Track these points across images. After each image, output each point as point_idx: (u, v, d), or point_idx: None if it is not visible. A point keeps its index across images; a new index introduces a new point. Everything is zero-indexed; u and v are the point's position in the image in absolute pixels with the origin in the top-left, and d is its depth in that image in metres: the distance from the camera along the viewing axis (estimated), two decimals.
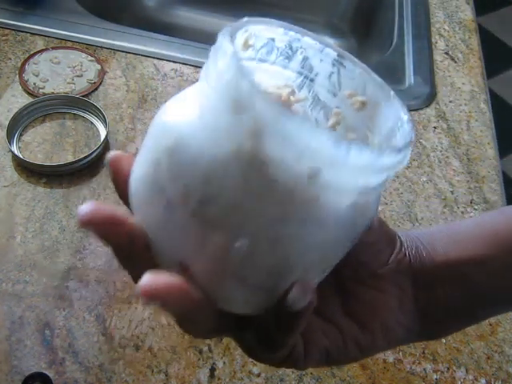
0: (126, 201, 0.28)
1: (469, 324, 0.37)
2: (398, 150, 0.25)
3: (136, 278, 0.25)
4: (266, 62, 0.29)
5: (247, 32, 0.28)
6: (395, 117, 0.28)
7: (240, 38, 0.28)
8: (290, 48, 0.29)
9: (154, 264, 0.26)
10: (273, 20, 0.29)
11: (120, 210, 0.26)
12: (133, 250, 0.26)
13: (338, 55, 0.29)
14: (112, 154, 0.28)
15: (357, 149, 0.23)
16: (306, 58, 0.29)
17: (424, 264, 0.33)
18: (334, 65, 0.29)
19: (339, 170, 0.23)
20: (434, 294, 0.33)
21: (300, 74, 0.30)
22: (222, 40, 0.26)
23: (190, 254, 0.25)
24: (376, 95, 0.29)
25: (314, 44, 0.29)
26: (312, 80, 0.30)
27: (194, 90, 0.27)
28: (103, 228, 0.25)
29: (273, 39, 0.29)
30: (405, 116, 0.28)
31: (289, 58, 0.29)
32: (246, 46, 0.29)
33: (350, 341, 0.32)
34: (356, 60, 0.29)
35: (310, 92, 0.30)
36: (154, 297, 0.24)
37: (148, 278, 0.24)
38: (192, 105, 0.25)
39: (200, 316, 0.27)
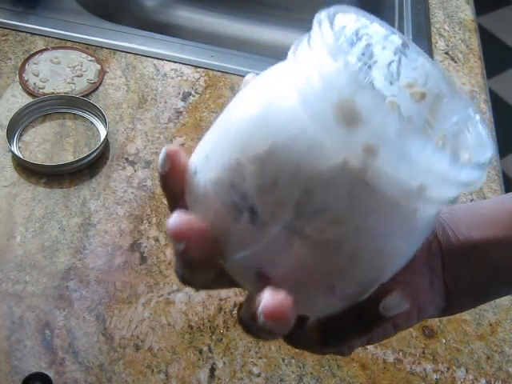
0: (172, 197, 0.28)
1: (492, 299, 0.38)
2: (482, 165, 0.25)
3: (200, 286, 0.27)
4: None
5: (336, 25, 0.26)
6: (462, 113, 0.27)
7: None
8: (356, 34, 0.27)
9: (221, 270, 0.26)
10: (348, 8, 0.27)
11: (199, 222, 0.25)
12: (208, 262, 0.26)
13: (403, 44, 0.27)
14: (170, 147, 0.27)
15: (468, 168, 0.23)
16: (368, 45, 0.27)
17: (451, 244, 0.34)
18: (395, 53, 0.28)
19: (445, 186, 0.23)
20: (459, 270, 0.34)
21: (359, 60, 0.27)
22: (326, 34, 0.23)
23: (275, 265, 0.25)
24: (439, 88, 0.27)
25: (380, 31, 0.28)
26: (370, 67, 0.27)
27: (287, 80, 0.24)
28: (193, 240, 0.25)
29: (344, 26, 0.27)
30: (476, 115, 0.27)
31: (352, 43, 0.27)
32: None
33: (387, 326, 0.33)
34: (421, 51, 0.28)
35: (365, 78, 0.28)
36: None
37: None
38: (289, 104, 0.23)
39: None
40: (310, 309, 0.27)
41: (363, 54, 0.27)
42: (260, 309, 0.23)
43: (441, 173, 0.22)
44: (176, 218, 0.25)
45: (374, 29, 0.28)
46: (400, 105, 0.27)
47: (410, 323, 0.34)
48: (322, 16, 0.24)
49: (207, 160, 0.26)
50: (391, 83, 0.28)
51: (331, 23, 0.24)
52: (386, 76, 0.28)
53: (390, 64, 0.28)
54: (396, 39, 0.28)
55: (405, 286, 0.28)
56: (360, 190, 0.22)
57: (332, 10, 0.25)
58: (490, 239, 0.34)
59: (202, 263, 0.26)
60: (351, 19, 0.27)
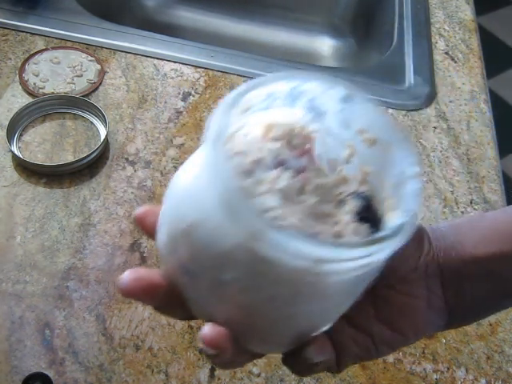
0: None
1: (495, 312, 0.38)
2: (393, 235, 0.25)
3: (177, 318, 0.31)
4: (270, 108, 0.29)
5: (244, 102, 0.28)
6: (407, 162, 0.27)
7: (237, 111, 0.27)
8: (291, 95, 0.29)
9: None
10: (276, 75, 0.29)
11: (155, 274, 0.29)
12: (170, 306, 0.30)
13: (347, 93, 0.28)
14: (138, 210, 0.31)
15: (348, 248, 0.25)
16: (312, 99, 0.29)
17: (452, 263, 0.34)
18: (342, 102, 0.28)
19: (341, 263, 0.25)
20: (462, 289, 0.34)
21: (309, 110, 0.29)
22: (211, 125, 0.26)
23: (215, 311, 0.29)
24: (387, 135, 0.28)
25: (317, 87, 0.28)
26: (322, 114, 0.29)
27: (200, 162, 0.27)
28: (143, 295, 0.29)
29: (272, 93, 0.29)
30: (416, 168, 0.27)
31: (293, 100, 0.29)
32: (244, 110, 0.29)
33: (381, 344, 0.33)
34: (368, 96, 0.28)
35: (321, 125, 0.29)
36: (131, 295, 0.29)
37: (127, 277, 0.29)
38: (201, 187, 0.27)
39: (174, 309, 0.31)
40: (254, 348, 0.31)
41: (310, 106, 0.29)
42: (201, 336, 0.28)
43: (328, 256, 0.24)
44: (126, 277, 0.29)
45: (310, 86, 0.28)
46: (358, 150, 0.28)
47: (406, 341, 0.34)
48: (221, 102, 0.26)
49: (160, 223, 0.30)
50: (345, 129, 0.29)
51: (225, 111, 0.26)
52: (339, 123, 0.29)
53: (340, 112, 0.29)
54: (339, 90, 0.28)
55: (323, 341, 0.31)
56: (259, 265, 0.25)
57: (244, 87, 0.27)
58: (495, 254, 0.33)
59: (161, 309, 0.31)
60: (279, 85, 0.28)
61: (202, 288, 0.28)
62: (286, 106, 0.29)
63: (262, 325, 0.28)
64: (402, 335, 0.33)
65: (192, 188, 0.27)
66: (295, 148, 0.28)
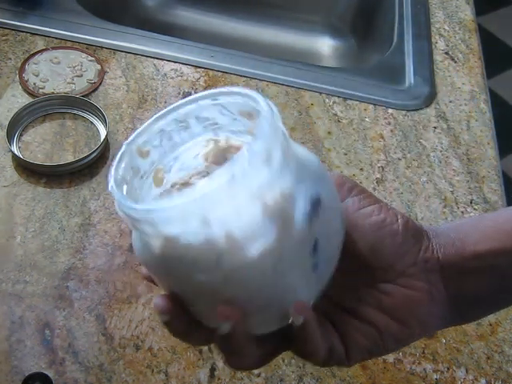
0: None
1: (504, 307, 0.39)
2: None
3: (192, 341, 0.34)
4: (178, 149, 0.34)
5: (136, 142, 0.33)
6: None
7: (131, 155, 0.33)
8: (180, 121, 0.34)
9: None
10: (153, 118, 0.34)
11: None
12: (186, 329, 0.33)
13: (212, 99, 0.33)
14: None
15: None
16: (197, 117, 0.34)
17: (452, 259, 0.34)
18: (215, 105, 0.33)
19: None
20: (463, 284, 0.34)
21: (205, 128, 0.34)
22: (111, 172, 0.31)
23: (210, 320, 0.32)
24: (252, 105, 0.32)
25: (192, 106, 0.33)
26: (216, 124, 0.34)
27: None
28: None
29: (162, 130, 0.33)
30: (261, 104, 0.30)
31: (186, 127, 0.34)
32: (144, 154, 0.33)
33: (388, 337, 0.34)
34: (223, 90, 0.33)
35: (226, 133, 0.34)
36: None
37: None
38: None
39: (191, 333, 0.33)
40: (254, 329, 0.32)
41: (203, 123, 0.34)
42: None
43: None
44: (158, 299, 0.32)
45: (186, 109, 0.33)
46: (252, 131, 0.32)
47: (413, 335, 0.35)
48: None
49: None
50: (234, 120, 0.33)
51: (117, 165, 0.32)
52: (229, 120, 0.33)
53: (221, 113, 0.33)
54: (206, 101, 0.33)
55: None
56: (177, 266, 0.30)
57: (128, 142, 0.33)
58: (496, 250, 0.34)
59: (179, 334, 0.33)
60: (162, 120, 0.33)
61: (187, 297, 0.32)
62: (186, 136, 0.34)
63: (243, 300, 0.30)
64: (408, 327, 0.34)
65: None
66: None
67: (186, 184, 0.34)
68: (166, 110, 0.33)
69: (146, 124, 0.33)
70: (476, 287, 0.35)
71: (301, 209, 0.29)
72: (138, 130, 0.33)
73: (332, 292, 0.34)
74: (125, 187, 0.31)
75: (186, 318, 0.32)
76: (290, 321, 0.31)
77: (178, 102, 0.33)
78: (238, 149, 0.33)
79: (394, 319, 0.34)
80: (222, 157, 0.34)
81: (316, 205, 0.30)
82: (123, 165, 0.32)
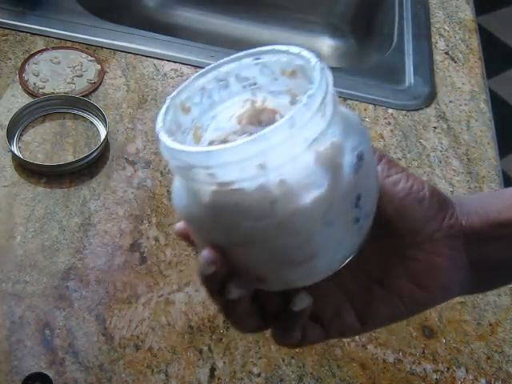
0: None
1: None
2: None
3: (221, 305, 0.34)
4: (216, 107, 0.35)
5: (179, 98, 0.33)
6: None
7: (175, 110, 0.33)
8: (220, 80, 0.34)
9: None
10: (196, 74, 0.34)
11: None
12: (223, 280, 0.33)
13: (254, 58, 0.34)
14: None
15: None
16: (237, 76, 0.34)
17: (476, 226, 0.35)
18: (256, 65, 0.34)
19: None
20: (485, 250, 0.36)
21: (244, 88, 0.35)
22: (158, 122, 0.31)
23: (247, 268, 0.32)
24: (298, 62, 0.34)
25: (233, 65, 0.34)
26: (255, 84, 0.35)
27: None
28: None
29: (203, 87, 0.34)
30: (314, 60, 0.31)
31: (226, 85, 0.34)
32: (186, 110, 0.34)
33: (409, 302, 0.35)
34: (268, 48, 0.34)
35: (264, 93, 0.35)
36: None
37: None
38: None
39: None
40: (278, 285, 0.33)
41: (241, 82, 0.34)
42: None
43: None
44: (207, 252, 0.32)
45: (227, 67, 0.34)
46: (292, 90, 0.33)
47: (434, 300, 0.36)
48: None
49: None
50: (276, 79, 0.34)
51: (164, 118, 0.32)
52: (269, 80, 0.34)
53: (261, 71, 0.34)
54: (248, 59, 0.34)
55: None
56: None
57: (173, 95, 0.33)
58: None
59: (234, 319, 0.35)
60: (202, 78, 0.35)
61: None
62: (225, 95, 0.34)
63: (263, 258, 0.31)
64: (430, 293, 0.35)
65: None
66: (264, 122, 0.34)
67: (224, 141, 0.33)
68: (208, 67, 0.34)
69: (188, 81, 0.34)
70: (497, 254, 0.36)
71: (348, 161, 0.30)
72: (181, 87, 0.33)
73: (361, 261, 0.35)
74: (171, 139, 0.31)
75: (228, 270, 0.32)
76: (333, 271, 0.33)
77: (221, 60, 0.34)
78: (273, 112, 0.34)
79: (417, 285, 0.35)
80: (256, 119, 0.34)
81: (360, 158, 0.30)
82: (169, 117, 0.32)
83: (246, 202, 0.28)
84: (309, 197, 0.28)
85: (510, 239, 0.35)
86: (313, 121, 0.28)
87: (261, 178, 0.28)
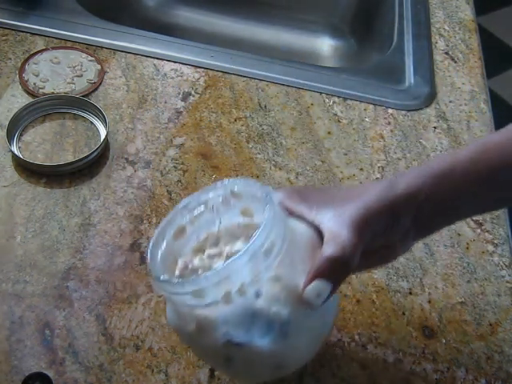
0: None
1: (456, 219, 0.49)
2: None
3: None
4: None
5: (179, 225, 0.46)
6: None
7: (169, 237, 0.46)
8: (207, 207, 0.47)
9: None
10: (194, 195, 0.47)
11: None
12: None
13: (232, 193, 0.46)
14: None
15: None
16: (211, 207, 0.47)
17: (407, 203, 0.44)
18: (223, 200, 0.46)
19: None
20: (422, 200, 0.44)
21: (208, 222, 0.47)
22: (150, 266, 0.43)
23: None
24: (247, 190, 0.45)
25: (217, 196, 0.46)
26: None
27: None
28: None
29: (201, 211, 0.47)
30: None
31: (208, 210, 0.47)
32: (181, 233, 0.46)
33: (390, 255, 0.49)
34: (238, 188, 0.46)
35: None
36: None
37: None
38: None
39: None
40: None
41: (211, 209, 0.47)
42: None
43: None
44: None
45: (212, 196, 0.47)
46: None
47: (397, 252, 0.48)
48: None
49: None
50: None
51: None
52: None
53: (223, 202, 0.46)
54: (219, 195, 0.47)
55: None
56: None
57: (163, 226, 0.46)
58: (453, 167, 0.44)
59: None
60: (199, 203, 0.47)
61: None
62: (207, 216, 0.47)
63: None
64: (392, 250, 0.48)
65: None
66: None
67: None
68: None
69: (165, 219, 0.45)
70: (435, 197, 0.44)
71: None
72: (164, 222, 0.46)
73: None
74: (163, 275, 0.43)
75: None
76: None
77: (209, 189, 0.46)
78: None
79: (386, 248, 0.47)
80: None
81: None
82: (163, 247, 0.44)
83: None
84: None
85: (439, 182, 0.43)
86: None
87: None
